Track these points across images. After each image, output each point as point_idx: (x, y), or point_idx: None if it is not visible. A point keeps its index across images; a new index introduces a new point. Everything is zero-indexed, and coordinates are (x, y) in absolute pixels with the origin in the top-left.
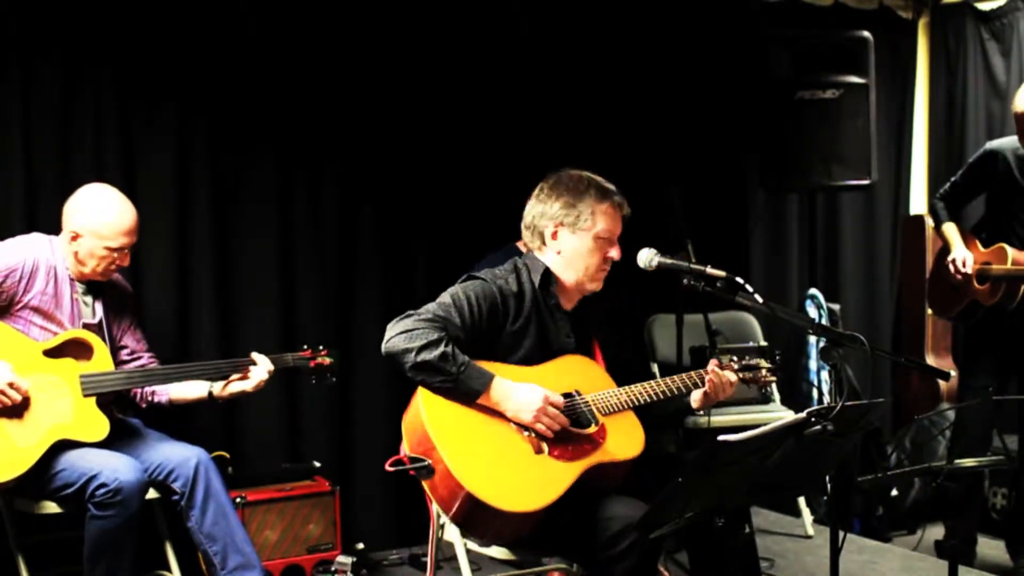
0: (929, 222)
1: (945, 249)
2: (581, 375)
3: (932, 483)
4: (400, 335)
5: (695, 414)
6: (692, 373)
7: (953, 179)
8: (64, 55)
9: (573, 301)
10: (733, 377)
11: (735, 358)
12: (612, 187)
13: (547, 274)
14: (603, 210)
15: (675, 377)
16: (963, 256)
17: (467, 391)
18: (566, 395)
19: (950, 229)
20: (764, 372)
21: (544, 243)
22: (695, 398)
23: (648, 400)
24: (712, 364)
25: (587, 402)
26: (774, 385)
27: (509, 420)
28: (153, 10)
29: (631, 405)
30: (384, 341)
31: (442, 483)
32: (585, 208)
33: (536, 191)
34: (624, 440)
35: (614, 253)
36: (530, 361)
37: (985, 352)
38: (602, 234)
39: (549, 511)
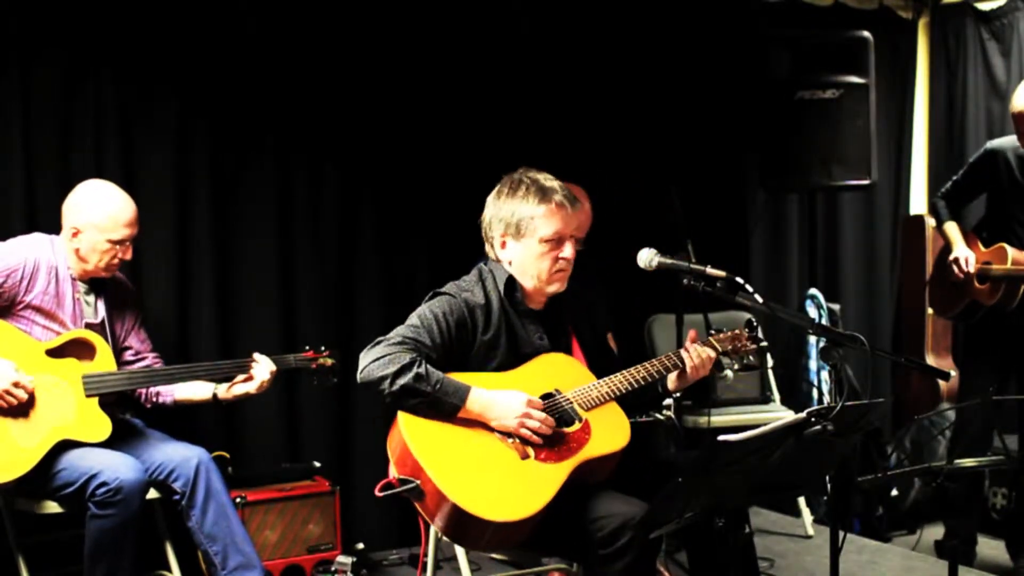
0: (930, 221)
1: (946, 248)
2: (560, 373)
3: (932, 483)
4: (373, 363)
5: (673, 396)
6: (670, 353)
7: (954, 178)
8: (64, 55)
9: (541, 302)
10: (711, 352)
11: (713, 331)
12: (555, 184)
13: (511, 281)
14: (542, 214)
15: (653, 361)
16: (965, 255)
17: (445, 408)
18: (546, 395)
19: (951, 228)
20: (744, 342)
21: (496, 253)
22: (671, 379)
23: (629, 388)
24: (688, 339)
25: (568, 399)
26: (774, 384)
27: (492, 429)
28: (153, 10)
29: (612, 396)
30: (359, 371)
31: (432, 502)
32: (525, 215)
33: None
34: (609, 433)
35: (566, 253)
36: (505, 369)
37: (985, 352)
38: (547, 237)
39: (543, 513)
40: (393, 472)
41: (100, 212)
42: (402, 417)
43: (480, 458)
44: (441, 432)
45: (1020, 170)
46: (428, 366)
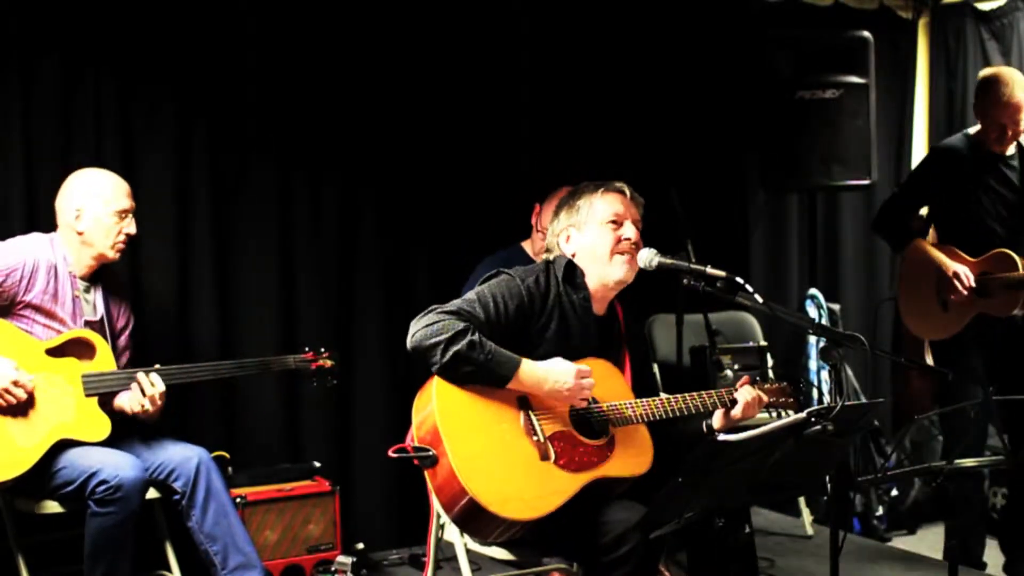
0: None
1: (921, 266)
2: (602, 382)
3: (932, 483)
4: (426, 329)
5: (712, 436)
6: (717, 392)
7: (897, 192)
8: (64, 55)
9: (604, 304)
10: (765, 397)
11: (758, 379)
12: (613, 182)
13: (571, 266)
14: (600, 197)
15: (694, 394)
16: (963, 271)
17: (495, 378)
18: None
19: (926, 245)
20: (786, 398)
21: (562, 251)
22: (717, 417)
23: (665, 416)
24: (740, 383)
25: (602, 410)
26: None
27: (519, 421)
28: (153, 10)
29: (647, 420)
30: (409, 336)
31: (442, 476)
32: (584, 203)
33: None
34: (632, 457)
35: (628, 233)
36: (548, 359)
37: (967, 359)
38: (607, 217)
39: (547, 518)
40: (413, 432)
41: (99, 185)
42: (437, 383)
43: (501, 447)
44: (471, 410)
45: (976, 162)
46: (481, 336)
